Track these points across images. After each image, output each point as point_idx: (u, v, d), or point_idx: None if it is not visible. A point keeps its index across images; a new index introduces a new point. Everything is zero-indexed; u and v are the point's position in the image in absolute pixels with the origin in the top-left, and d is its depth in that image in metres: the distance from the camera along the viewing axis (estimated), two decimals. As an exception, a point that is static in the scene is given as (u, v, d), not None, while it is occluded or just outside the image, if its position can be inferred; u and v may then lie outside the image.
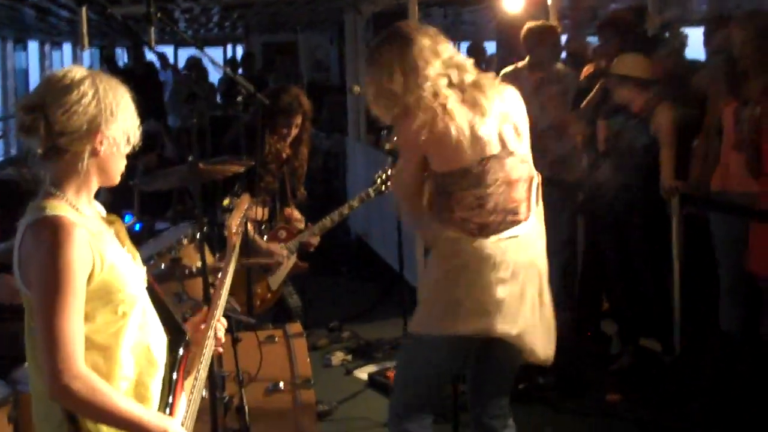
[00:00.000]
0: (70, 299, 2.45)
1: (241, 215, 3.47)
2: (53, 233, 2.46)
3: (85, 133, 2.53)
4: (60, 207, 2.53)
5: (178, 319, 2.83)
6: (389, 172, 5.99)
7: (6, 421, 3.64)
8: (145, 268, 2.79)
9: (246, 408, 4.19)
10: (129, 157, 2.69)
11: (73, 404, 2.49)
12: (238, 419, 4.19)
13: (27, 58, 15.40)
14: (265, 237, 5.65)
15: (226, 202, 3.86)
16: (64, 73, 2.57)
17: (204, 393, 2.89)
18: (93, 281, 2.51)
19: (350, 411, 5.83)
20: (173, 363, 2.73)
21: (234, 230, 3.29)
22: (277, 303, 5.79)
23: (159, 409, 2.66)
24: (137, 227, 7.35)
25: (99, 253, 2.52)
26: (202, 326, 2.93)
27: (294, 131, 5.66)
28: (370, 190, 5.96)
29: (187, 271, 4.64)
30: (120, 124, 2.59)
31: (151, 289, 2.79)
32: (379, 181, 5.98)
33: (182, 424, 2.69)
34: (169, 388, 2.70)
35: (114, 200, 7.91)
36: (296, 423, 4.65)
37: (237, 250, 3.19)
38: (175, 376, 2.72)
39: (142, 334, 2.66)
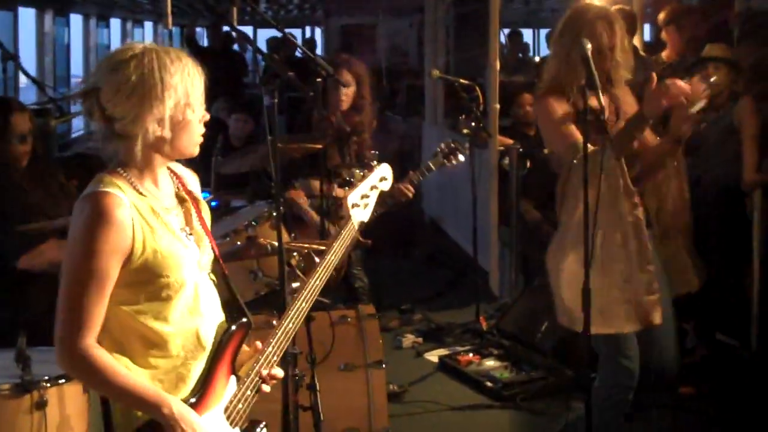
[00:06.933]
0: (90, 273, 2.45)
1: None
2: (93, 208, 2.45)
3: (138, 114, 2.48)
4: (114, 183, 2.51)
5: (240, 302, 2.78)
6: (452, 146, 5.72)
7: (81, 391, 3.68)
8: (209, 248, 2.73)
9: (317, 386, 4.21)
10: (207, 135, 2.64)
11: (73, 373, 2.60)
12: (309, 397, 4.21)
13: (109, 35, 15.60)
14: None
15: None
16: (115, 52, 2.55)
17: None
18: (133, 263, 2.50)
19: (420, 393, 5.83)
20: (221, 343, 2.68)
21: (348, 205, 3.05)
22: (344, 284, 5.73)
23: (192, 391, 2.61)
24: (214, 204, 7.38)
25: (143, 235, 2.50)
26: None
27: (345, 94, 5.48)
28: (430, 163, 5.67)
29: (265, 249, 4.65)
30: (174, 100, 2.52)
31: (217, 268, 2.77)
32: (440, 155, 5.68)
33: (228, 406, 2.66)
34: (208, 371, 2.65)
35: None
36: (367, 403, 4.67)
37: (350, 227, 3.04)
38: (214, 361, 2.67)
39: (192, 318, 2.62)
